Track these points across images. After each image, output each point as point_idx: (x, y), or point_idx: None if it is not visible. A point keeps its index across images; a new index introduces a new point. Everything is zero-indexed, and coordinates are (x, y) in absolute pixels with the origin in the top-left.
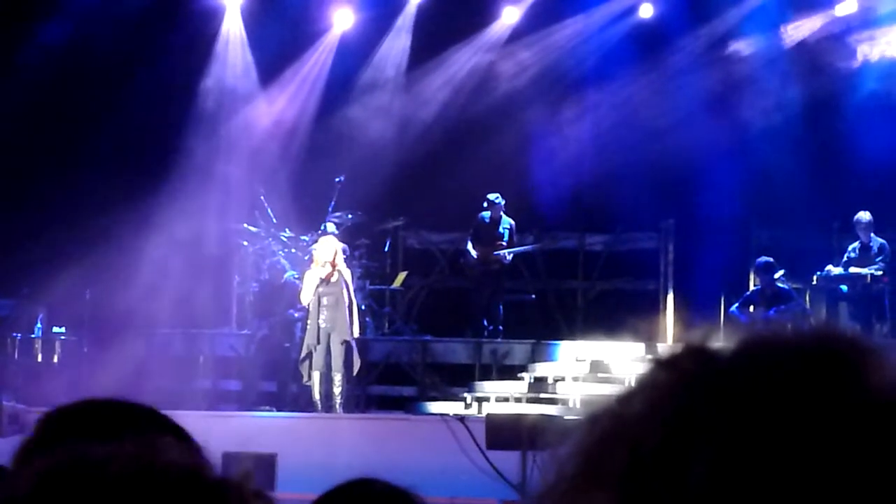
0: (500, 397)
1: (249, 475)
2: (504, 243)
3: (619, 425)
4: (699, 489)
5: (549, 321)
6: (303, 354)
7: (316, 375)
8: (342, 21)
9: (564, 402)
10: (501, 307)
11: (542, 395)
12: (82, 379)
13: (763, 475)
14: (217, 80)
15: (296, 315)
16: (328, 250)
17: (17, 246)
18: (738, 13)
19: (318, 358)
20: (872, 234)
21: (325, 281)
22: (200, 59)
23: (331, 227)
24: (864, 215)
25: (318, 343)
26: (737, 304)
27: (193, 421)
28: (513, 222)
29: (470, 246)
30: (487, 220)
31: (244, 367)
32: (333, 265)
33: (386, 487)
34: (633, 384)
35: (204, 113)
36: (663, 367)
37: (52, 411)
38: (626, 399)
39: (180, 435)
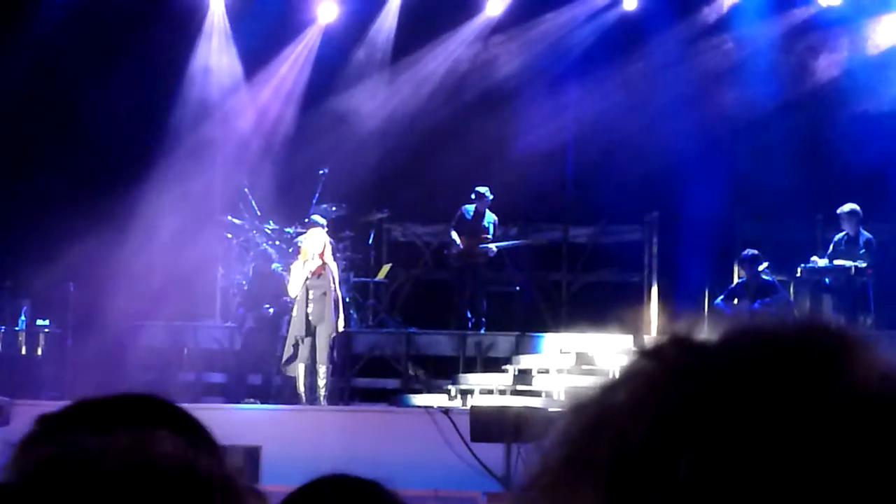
0: (484, 390)
1: (240, 469)
2: (489, 237)
3: (603, 414)
4: (688, 481)
5: (534, 313)
6: (288, 345)
7: (301, 368)
8: (326, 13)
9: (549, 395)
10: (485, 299)
11: (527, 388)
12: (66, 371)
13: (751, 469)
14: (201, 71)
15: (271, 311)
16: (317, 243)
17: (0, 238)
18: (722, 5)
19: (303, 350)
20: (860, 227)
21: (315, 274)
22: (184, 51)
23: (319, 219)
24: (852, 207)
25: (306, 335)
26: (721, 297)
27: None
28: (496, 218)
29: (455, 236)
30: (471, 213)
31: (228, 360)
32: (322, 258)
33: (354, 482)
34: (617, 373)
35: (187, 105)
36: (648, 357)
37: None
38: (610, 388)
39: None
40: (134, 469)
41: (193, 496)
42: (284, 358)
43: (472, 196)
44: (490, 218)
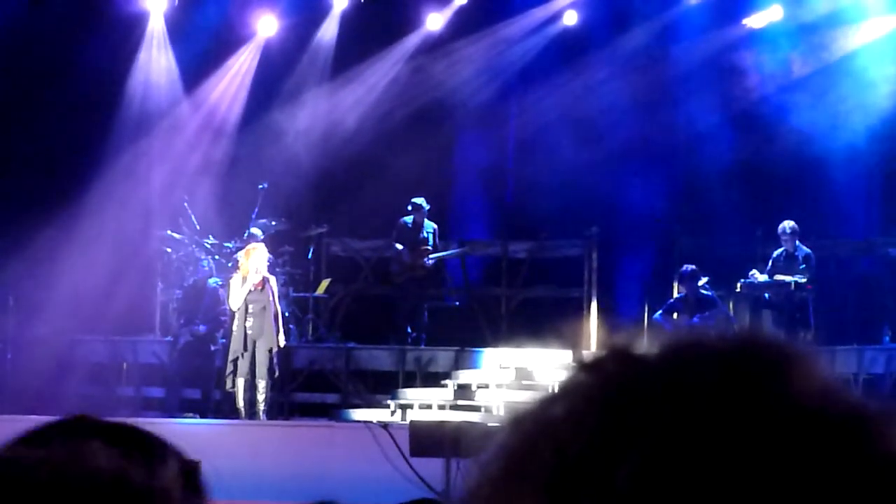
0: (423, 404)
1: (177, 480)
2: (430, 248)
3: (541, 428)
4: (625, 493)
5: (473, 328)
6: (229, 360)
7: (240, 382)
8: (266, 28)
9: (488, 410)
10: (426, 314)
11: (467, 403)
12: (5, 385)
13: (688, 482)
14: (141, 86)
15: (201, 330)
16: (259, 258)
17: None
18: (662, 21)
19: (242, 365)
20: (798, 243)
21: (257, 287)
22: (124, 66)
23: (257, 232)
24: (789, 224)
25: (245, 350)
26: (661, 312)
27: None
28: (435, 226)
29: (399, 249)
30: (410, 225)
31: (167, 374)
32: (264, 273)
33: None
34: (556, 388)
35: (127, 119)
36: (586, 370)
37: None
38: (548, 402)
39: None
40: (69, 482)
41: None
42: (227, 372)
43: (409, 208)
44: (429, 227)
